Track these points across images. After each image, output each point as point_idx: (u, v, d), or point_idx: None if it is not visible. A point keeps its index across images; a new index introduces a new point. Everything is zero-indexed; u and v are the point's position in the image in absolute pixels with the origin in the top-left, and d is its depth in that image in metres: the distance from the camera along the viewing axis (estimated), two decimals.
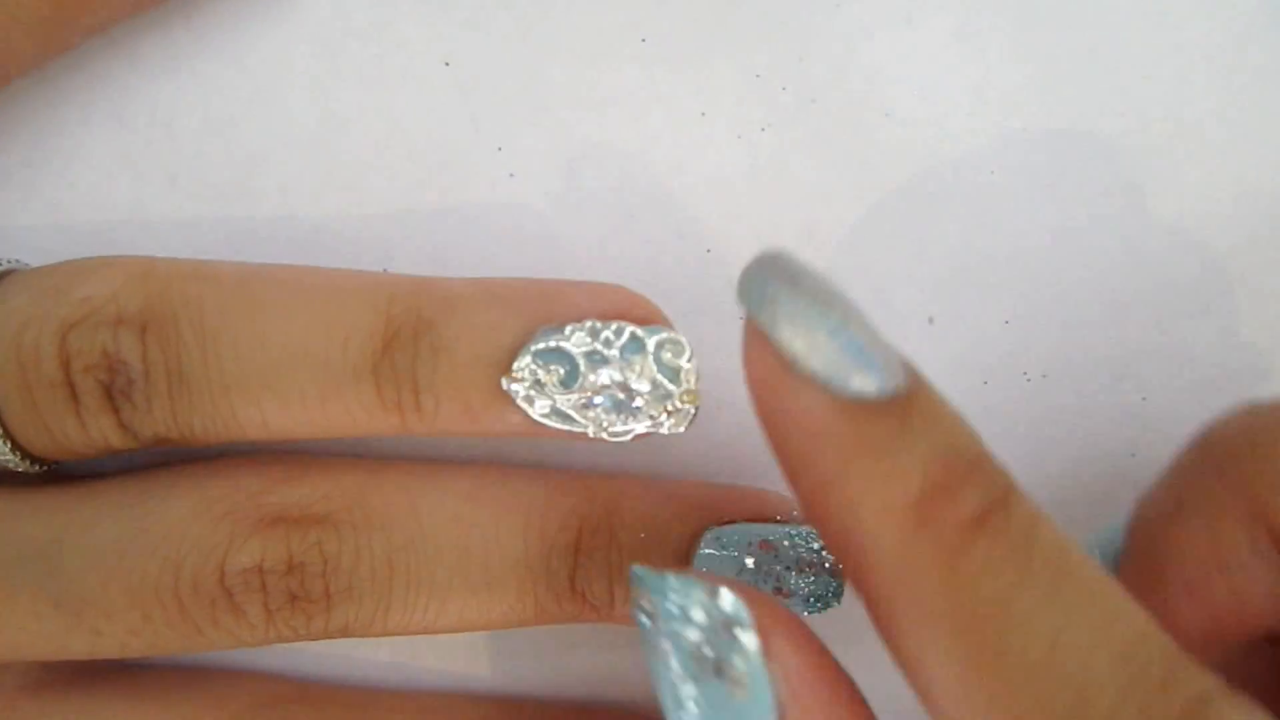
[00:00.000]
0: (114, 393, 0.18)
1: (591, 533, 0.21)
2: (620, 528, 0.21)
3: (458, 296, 0.19)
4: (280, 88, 0.22)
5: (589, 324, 0.18)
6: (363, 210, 0.23)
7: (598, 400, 0.18)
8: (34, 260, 0.20)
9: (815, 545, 0.20)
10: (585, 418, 0.18)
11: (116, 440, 0.19)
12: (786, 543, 0.20)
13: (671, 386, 0.18)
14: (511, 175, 0.23)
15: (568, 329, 0.18)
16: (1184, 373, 0.24)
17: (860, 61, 0.23)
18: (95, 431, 0.19)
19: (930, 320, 0.24)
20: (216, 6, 0.22)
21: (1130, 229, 0.24)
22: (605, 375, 0.18)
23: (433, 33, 0.23)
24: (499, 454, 0.23)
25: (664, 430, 0.18)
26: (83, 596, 0.19)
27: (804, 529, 0.21)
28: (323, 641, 0.22)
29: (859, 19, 0.23)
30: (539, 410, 0.18)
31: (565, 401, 0.18)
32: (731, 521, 0.21)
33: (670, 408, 0.18)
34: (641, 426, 0.18)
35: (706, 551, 0.20)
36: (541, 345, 0.18)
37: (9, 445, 0.19)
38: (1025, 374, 0.24)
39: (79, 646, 0.19)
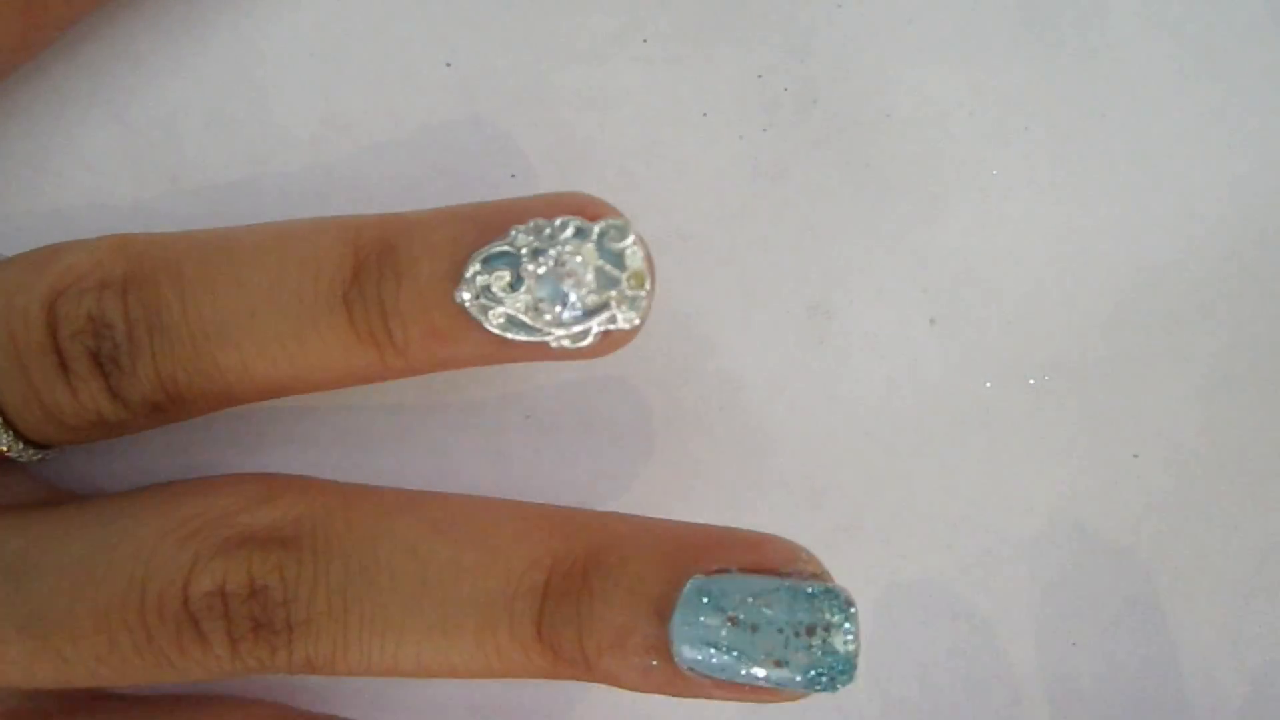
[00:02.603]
0: (101, 358, 0.18)
1: (564, 575, 0.19)
2: (594, 572, 0.18)
3: (418, 220, 0.19)
4: (280, 88, 0.22)
5: (532, 223, 0.18)
6: (363, 210, 0.22)
7: (543, 295, 0.18)
8: None
9: (824, 611, 0.17)
10: (540, 323, 0.18)
11: (107, 408, 0.19)
12: (786, 604, 0.17)
13: (616, 271, 0.18)
14: (512, 175, 0.23)
15: (512, 231, 0.18)
16: (1184, 373, 0.24)
17: (862, 62, 0.23)
18: (86, 398, 0.18)
19: (931, 321, 0.24)
20: (217, 6, 0.22)
21: (1130, 229, 0.24)
22: (543, 265, 0.17)
23: (434, 33, 0.23)
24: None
25: (620, 324, 0.18)
26: (48, 619, 0.18)
27: (807, 586, 0.18)
28: None
29: (860, 19, 0.23)
30: (494, 322, 0.18)
31: (516, 305, 0.18)
32: (723, 571, 0.18)
33: (619, 295, 0.18)
34: (596, 322, 0.18)
35: (686, 607, 0.17)
36: (488, 251, 0.18)
37: (1, 422, 0.19)
38: (1026, 375, 0.24)
39: (46, 673, 0.19)
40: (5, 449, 0.19)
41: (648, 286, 0.18)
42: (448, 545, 0.19)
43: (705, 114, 0.23)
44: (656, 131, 0.23)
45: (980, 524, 0.24)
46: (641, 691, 0.19)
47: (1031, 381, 0.24)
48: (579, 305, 0.18)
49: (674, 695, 0.19)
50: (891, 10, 0.23)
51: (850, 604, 0.17)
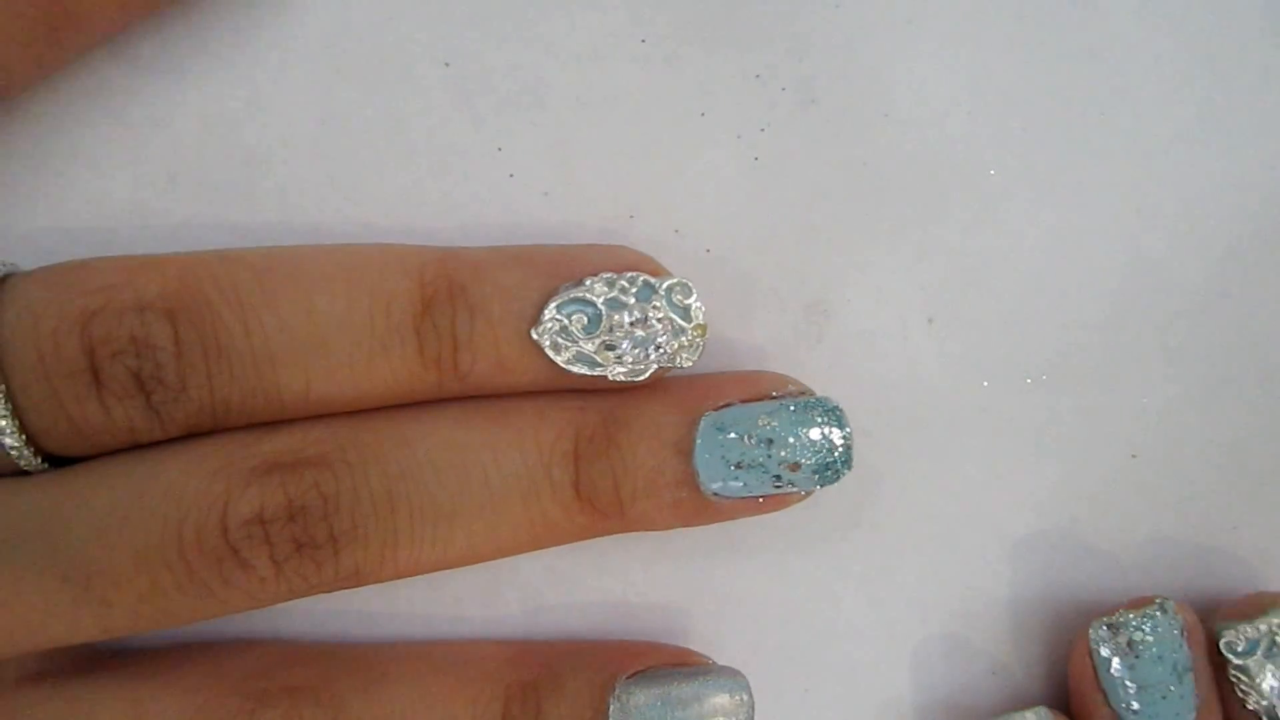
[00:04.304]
0: (143, 377, 0.18)
1: (589, 440, 0.21)
2: (617, 429, 0.21)
3: (483, 262, 0.20)
4: (280, 88, 0.22)
5: (605, 276, 0.20)
6: (363, 210, 0.23)
7: (618, 340, 0.20)
8: (34, 261, 0.20)
9: (818, 416, 0.20)
10: (606, 359, 0.20)
11: (141, 424, 0.19)
12: (786, 417, 0.20)
13: (683, 322, 0.20)
14: (511, 175, 0.23)
15: (588, 281, 0.20)
16: (1184, 373, 0.24)
17: (860, 62, 0.23)
18: (120, 416, 0.19)
19: (930, 321, 0.24)
20: (216, 7, 0.22)
21: (1130, 229, 0.24)
22: (625, 316, 0.20)
23: (433, 33, 0.23)
24: None
25: (679, 362, 0.20)
26: (88, 568, 0.18)
27: (802, 400, 0.20)
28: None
29: (859, 19, 0.23)
30: (564, 358, 0.20)
31: (589, 346, 0.20)
32: (727, 405, 0.21)
33: (684, 341, 0.20)
34: (658, 363, 0.20)
35: (705, 440, 0.20)
36: (565, 297, 0.20)
37: (23, 439, 0.19)
38: (1025, 374, 0.24)
39: (90, 622, 0.19)
40: (23, 464, 0.19)
41: (706, 336, 0.21)
42: (478, 432, 0.20)
43: (703, 114, 0.23)
44: (654, 131, 0.23)
45: (978, 523, 0.24)
46: (668, 527, 0.21)
47: (1029, 381, 0.24)
48: (652, 352, 0.20)
49: (696, 524, 0.21)
50: (890, 9, 0.23)
51: (838, 406, 0.20)
